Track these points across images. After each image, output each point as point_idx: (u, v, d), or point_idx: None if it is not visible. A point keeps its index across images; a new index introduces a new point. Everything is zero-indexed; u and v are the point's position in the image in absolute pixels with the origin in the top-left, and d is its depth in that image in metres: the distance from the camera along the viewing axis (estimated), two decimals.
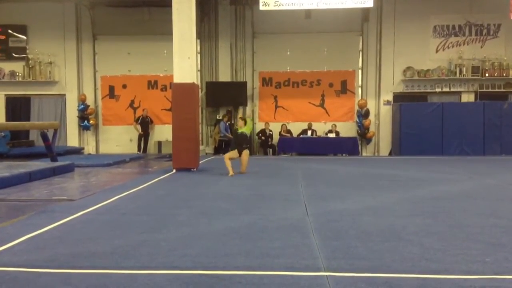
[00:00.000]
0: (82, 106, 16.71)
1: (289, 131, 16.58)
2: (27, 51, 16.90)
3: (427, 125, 15.41)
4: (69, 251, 4.16)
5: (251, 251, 4.14)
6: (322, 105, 16.94)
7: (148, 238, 4.61)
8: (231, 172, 9.80)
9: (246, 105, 16.67)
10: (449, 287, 3.24)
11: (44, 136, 11.33)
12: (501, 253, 4.07)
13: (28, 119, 16.84)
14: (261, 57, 16.93)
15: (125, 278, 3.44)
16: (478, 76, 16.25)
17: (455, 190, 7.87)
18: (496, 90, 16.37)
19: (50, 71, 16.95)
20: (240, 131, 10.12)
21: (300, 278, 3.43)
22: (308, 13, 16.20)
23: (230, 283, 3.33)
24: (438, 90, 16.50)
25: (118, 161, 12.82)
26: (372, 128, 16.55)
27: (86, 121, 16.84)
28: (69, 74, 17.06)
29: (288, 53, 16.88)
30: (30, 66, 16.87)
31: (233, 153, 10.07)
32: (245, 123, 10.23)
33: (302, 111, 16.89)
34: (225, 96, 16.25)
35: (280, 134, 16.45)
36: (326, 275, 3.48)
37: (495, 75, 16.21)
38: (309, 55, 16.69)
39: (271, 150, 16.46)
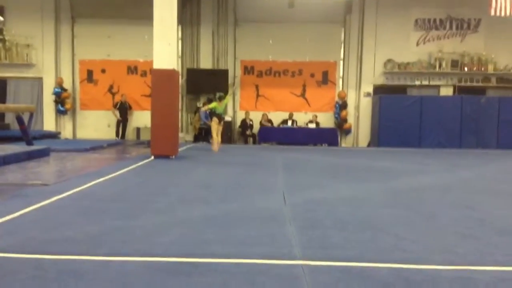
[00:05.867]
0: (57, 90, 16.38)
1: (270, 121, 16.57)
2: (4, 32, 16.46)
3: (406, 118, 15.58)
4: (42, 236, 4.08)
5: (227, 239, 4.12)
6: (303, 95, 16.96)
7: (123, 225, 4.56)
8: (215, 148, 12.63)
9: (227, 94, 16.58)
10: (421, 277, 3.27)
11: (19, 120, 11.11)
12: (474, 244, 4.14)
13: (4, 102, 16.46)
14: (243, 45, 16.83)
15: (98, 265, 3.39)
16: (457, 70, 16.45)
17: (431, 181, 7.97)
18: (475, 84, 16.62)
19: (27, 54, 16.58)
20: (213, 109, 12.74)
21: (275, 266, 3.43)
22: (291, 3, 16.11)
23: (206, 271, 3.30)
24: (417, 83, 16.67)
25: (95, 146, 12.65)
26: (351, 120, 16.64)
27: (60, 105, 16.52)
28: (46, 57, 16.71)
29: (271, 42, 16.80)
30: (7, 48, 16.45)
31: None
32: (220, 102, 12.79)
33: (283, 101, 16.89)
34: (206, 83, 16.13)
35: (261, 123, 16.43)
36: (301, 264, 3.49)
37: (474, 69, 16.44)
38: (291, 44, 16.64)
39: (251, 139, 16.44)
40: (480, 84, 16.62)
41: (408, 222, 4.90)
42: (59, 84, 16.45)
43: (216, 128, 12.76)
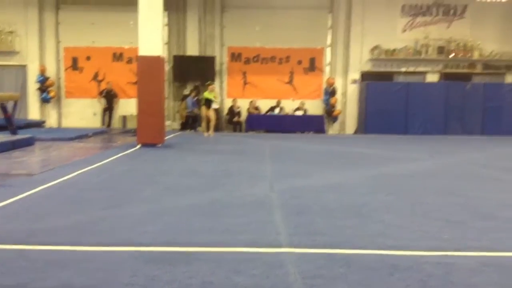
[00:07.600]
0: (41, 78, 16.14)
1: (257, 108, 16.53)
2: None
3: (392, 104, 15.66)
4: (27, 227, 4.05)
5: (214, 227, 4.13)
6: (290, 82, 16.92)
7: (109, 214, 4.54)
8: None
9: (214, 81, 16.49)
10: (406, 263, 3.31)
11: (3, 108, 10.94)
12: (458, 230, 4.19)
13: None
14: (230, 31, 16.70)
15: (84, 255, 3.38)
16: (443, 56, 16.52)
17: (417, 168, 8.04)
18: (460, 70, 16.71)
19: (10, 41, 16.28)
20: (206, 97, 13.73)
21: (262, 254, 3.44)
22: None
23: (191, 259, 3.31)
24: (404, 69, 16.71)
25: (81, 135, 12.53)
26: (338, 107, 16.67)
27: (45, 93, 16.30)
28: (30, 44, 16.43)
29: (257, 28, 16.68)
30: None
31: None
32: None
33: (270, 88, 16.84)
34: (193, 71, 16.00)
35: (248, 111, 16.39)
36: (287, 251, 3.50)
37: (460, 55, 16.52)
38: (278, 31, 16.54)
39: (239, 126, 16.40)
40: (465, 70, 16.72)
41: (394, 209, 4.95)
42: (42, 72, 16.21)
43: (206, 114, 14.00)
